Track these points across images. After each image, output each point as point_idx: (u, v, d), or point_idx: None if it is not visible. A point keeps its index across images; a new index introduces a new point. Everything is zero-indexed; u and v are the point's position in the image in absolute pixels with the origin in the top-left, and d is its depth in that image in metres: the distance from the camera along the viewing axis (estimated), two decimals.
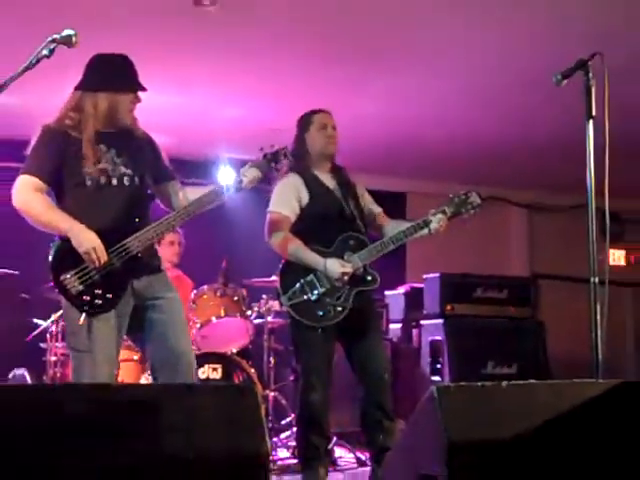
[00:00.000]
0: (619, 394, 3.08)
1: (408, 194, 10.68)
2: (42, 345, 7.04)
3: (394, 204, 10.42)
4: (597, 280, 3.55)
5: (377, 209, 5.17)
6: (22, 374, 7.19)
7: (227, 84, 7.34)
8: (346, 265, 4.72)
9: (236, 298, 6.53)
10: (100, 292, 3.81)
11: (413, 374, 7.58)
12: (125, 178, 3.95)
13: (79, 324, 3.78)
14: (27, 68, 3.35)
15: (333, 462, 5.71)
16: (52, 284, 3.88)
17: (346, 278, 4.70)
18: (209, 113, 8.15)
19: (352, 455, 6.03)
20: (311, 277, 4.74)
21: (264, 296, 6.72)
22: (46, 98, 6.64)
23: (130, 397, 2.63)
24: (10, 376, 7.17)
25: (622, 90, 4.57)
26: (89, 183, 3.85)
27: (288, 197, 4.89)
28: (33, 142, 3.93)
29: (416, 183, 10.52)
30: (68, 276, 3.79)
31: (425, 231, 4.82)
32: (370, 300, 5.00)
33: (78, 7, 5.61)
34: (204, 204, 3.99)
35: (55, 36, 3.37)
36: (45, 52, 3.36)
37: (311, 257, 4.75)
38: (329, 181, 5.01)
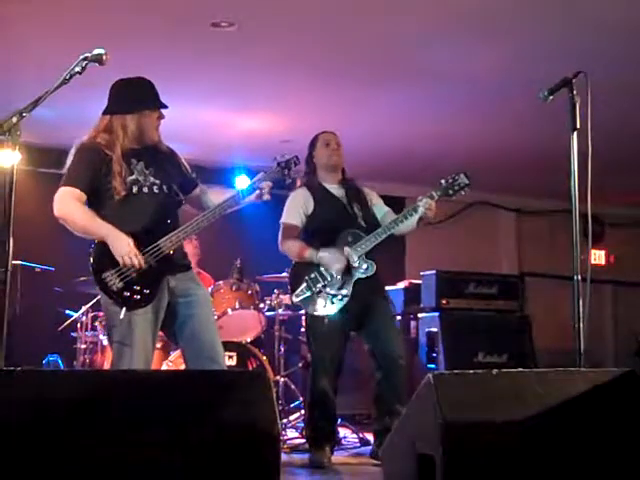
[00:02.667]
0: (599, 381, 3.09)
1: (407, 199, 10.66)
2: (73, 334, 7.06)
3: (393, 207, 10.42)
4: (580, 277, 3.54)
5: (385, 208, 5.24)
6: (55, 360, 7.22)
7: (244, 99, 7.34)
8: (339, 256, 4.82)
9: (250, 292, 6.54)
10: (138, 288, 3.82)
11: (411, 362, 7.55)
12: (155, 187, 3.98)
13: (120, 318, 3.79)
14: (61, 83, 3.35)
15: (338, 442, 5.71)
16: (94, 281, 3.87)
17: (339, 265, 4.79)
18: (227, 125, 8.15)
19: (355, 436, 6.02)
20: (314, 274, 4.85)
21: (275, 290, 6.73)
22: (77, 111, 6.69)
23: (156, 382, 2.65)
24: (44, 362, 7.20)
25: (604, 105, 4.59)
26: (123, 193, 3.87)
27: (295, 208, 5.06)
28: (71, 157, 3.96)
29: (414, 188, 10.47)
30: (108, 274, 3.81)
31: (415, 217, 4.81)
32: (374, 287, 4.99)
33: (106, 28, 5.62)
34: (225, 208, 4.02)
35: (87, 54, 3.37)
36: (77, 69, 3.35)
37: (305, 251, 4.89)
38: (336, 190, 5.12)
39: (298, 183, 5.11)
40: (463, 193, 4.90)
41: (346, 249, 4.84)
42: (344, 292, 4.81)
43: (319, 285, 4.83)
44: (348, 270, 4.83)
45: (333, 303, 4.82)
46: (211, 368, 3.83)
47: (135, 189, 3.93)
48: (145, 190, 3.95)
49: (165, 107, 4.06)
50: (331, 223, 4.97)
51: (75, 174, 3.92)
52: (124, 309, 3.80)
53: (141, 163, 3.99)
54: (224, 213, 4.07)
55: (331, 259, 4.81)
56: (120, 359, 3.84)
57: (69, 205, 3.86)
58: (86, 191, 3.89)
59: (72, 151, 3.98)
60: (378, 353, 4.95)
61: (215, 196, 4.19)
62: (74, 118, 6.77)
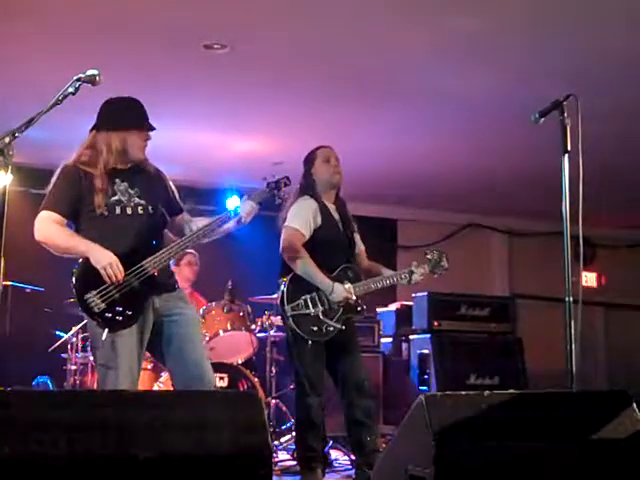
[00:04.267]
0: (591, 402, 3.10)
1: (399, 221, 10.71)
2: (63, 355, 7.04)
3: (386, 229, 10.47)
4: (571, 299, 3.56)
5: (362, 246, 5.23)
6: (45, 381, 7.19)
7: (236, 120, 7.37)
8: (350, 292, 4.79)
9: (241, 314, 6.54)
10: (121, 309, 3.77)
11: (403, 384, 7.57)
12: (139, 207, 3.94)
13: (102, 340, 3.75)
14: (54, 104, 3.36)
15: (329, 464, 5.69)
16: (76, 302, 3.83)
17: (342, 303, 4.78)
18: (219, 146, 8.17)
19: (347, 458, 6.01)
20: (314, 294, 4.79)
21: (267, 312, 6.73)
22: (70, 132, 6.71)
23: (148, 402, 2.64)
24: (34, 383, 7.17)
25: (594, 127, 4.62)
26: (105, 213, 3.85)
27: (306, 217, 4.90)
28: (53, 180, 3.94)
29: (406, 210, 10.55)
30: (91, 295, 3.75)
31: (405, 281, 4.98)
32: (353, 323, 5.04)
33: (98, 49, 5.65)
34: (212, 229, 4.00)
35: (80, 75, 3.37)
36: (71, 90, 3.36)
37: (321, 277, 4.79)
38: (334, 212, 5.05)
39: (291, 198, 4.97)
40: (442, 273, 5.14)
41: (351, 287, 4.85)
42: (337, 325, 4.80)
43: (316, 309, 4.80)
44: (345, 306, 4.83)
45: (323, 331, 4.79)
46: (200, 387, 3.79)
47: (118, 210, 3.90)
48: (128, 211, 3.92)
49: (152, 129, 4.03)
50: (333, 249, 4.93)
51: (55, 197, 3.91)
52: (106, 331, 3.76)
53: (125, 184, 3.95)
54: (212, 235, 4.05)
55: (341, 294, 4.78)
56: (104, 382, 3.80)
57: (48, 228, 3.85)
58: (65, 214, 3.89)
59: (56, 172, 3.96)
60: (346, 380, 4.90)
61: (200, 223, 4.11)
62: (67, 139, 6.78)
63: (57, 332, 7.12)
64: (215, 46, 5.68)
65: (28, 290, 7.02)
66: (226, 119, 7.34)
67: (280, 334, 6.71)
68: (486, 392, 2.95)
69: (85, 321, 6.68)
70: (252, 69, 6.11)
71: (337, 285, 4.79)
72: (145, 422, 2.54)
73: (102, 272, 3.73)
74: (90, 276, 3.76)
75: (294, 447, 5.60)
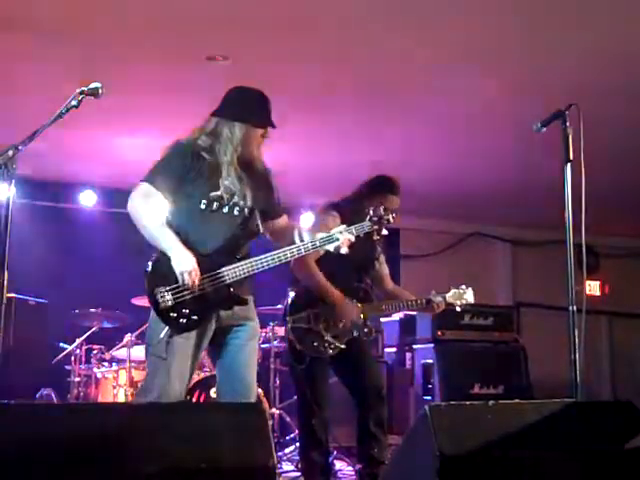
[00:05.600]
0: (596, 413, 3.09)
1: (401, 230, 10.69)
2: (67, 367, 7.04)
3: (389, 238, 10.44)
4: (575, 308, 3.56)
5: (386, 270, 5.18)
6: (48, 393, 7.19)
7: None
8: (359, 314, 4.76)
9: None
10: (187, 312, 3.63)
11: (407, 394, 7.57)
12: (236, 208, 3.79)
13: (160, 337, 3.64)
14: (58, 117, 3.38)
15: (334, 474, 5.67)
16: (145, 294, 3.70)
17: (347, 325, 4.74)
18: None
19: (352, 468, 6.00)
20: (318, 310, 4.74)
21: (271, 323, 6.73)
22: (74, 145, 6.72)
23: (151, 414, 2.64)
24: (38, 395, 7.17)
25: (596, 136, 4.63)
26: (202, 206, 3.71)
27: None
28: (163, 153, 3.79)
29: (409, 220, 10.53)
30: (162, 290, 3.63)
31: (420, 307, 4.98)
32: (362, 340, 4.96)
33: (102, 62, 5.66)
34: (312, 247, 3.81)
35: (83, 88, 3.39)
36: (74, 103, 3.38)
37: (333, 292, 4.72)
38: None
39: (320, 208, 4.86)
40: (463, 307, 5.12)
41: (360, 306, 4.83)
42: (338, 343, 4.77)
43: (318, 325, 4.77)
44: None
45: (324, 348, 4.74)
46: (239, 401, 3.64)
47: (215, 206, 3.74)
48: (225, 210, 3.77)
49: (274, 126, 3.93)
50: (349, 267, 4.80)
51: (159, 171, 3.76)
52: (166, 329, 3.65)
53: (230, 178, 3.79)
54: (301, 254, 3.81)
55: (349, 312, 4.73)
56: (155, 373, 3.68)
57: (143, 206, 3.69)
58: (165, 192, 3.72)
59: (168, 146, 3.81)
60: (360, 387, 4.86)
61: (307, 235, 3.87)
62: (70, 151, 6.80)
63: (60, 344, 7.13)
64: (217, 58, 5.68)
65: (32, 302, 7.03)
66: None
67: (284, 345, 6.70)
68: (490, 402, 2.95)
69: (88, 333, 6.79)
70: (255, 80, 6.09)
71: (348, 304, 4.74)
72: (149, 433, 2.55)
73: (179, 276, 3.60)
74: (166, 272, 3.63)
75: (298, 458, 5.60)
